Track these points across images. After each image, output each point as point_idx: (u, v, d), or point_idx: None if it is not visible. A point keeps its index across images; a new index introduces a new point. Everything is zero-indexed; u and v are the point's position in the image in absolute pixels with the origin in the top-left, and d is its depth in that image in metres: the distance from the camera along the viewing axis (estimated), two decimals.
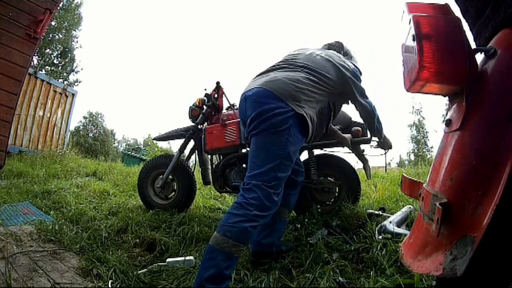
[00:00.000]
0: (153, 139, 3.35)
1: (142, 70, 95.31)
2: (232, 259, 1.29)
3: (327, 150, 2.44)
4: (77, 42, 18.58)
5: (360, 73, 1.83)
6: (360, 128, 2.29)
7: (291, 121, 1.43)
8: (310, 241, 1.79)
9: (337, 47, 1.96)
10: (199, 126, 2.61)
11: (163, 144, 8.04)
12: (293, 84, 1.49)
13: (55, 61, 18.04)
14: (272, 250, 1.71)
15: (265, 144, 1.44)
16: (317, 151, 2.40)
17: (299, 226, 2.09)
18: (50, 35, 16.81)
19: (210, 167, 2.66)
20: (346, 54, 1.94)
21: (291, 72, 1.57)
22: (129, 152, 11.04)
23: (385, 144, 2.09)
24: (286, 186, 1.53)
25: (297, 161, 1.76)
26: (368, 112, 1.77)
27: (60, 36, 17.55)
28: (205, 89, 2.66)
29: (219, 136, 2.39)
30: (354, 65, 1.83)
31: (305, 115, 1.47)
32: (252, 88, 1.53)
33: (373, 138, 2.22)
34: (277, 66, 1.65)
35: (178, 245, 1.96)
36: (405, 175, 0.96)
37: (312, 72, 1.59)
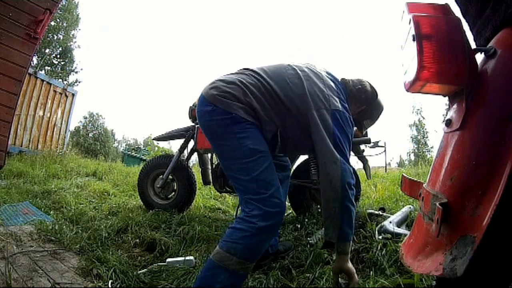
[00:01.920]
0: (153, 139, 3.35)
1: (142, 69, 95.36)
2: (237, 276, 1.17)
3: None
4: (75, 42, 18.63)
5: (351, 124, 1.37)
6: None
7: (227, 120, 1.25)
8: (310, 241, 1.79)
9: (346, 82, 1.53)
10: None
11: (163, 144, 8.04)
12: (226, 86, 1.29)
13: (54, 61, 18.06)
14: (268, 252, 1.63)
15: (222, 155, 1.32)
16: None
17: (299, 226, 2.09)
18: (50, 35, 16.84)
19: (210, 167, 2.66)
20: (355, 98, 1.51)
21: (237, 75, 1.35)
22: (129, 152, 11.05)
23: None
24: None
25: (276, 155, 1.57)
26: (335, 186, 1.24)
27: (59, 36, 17.58)
28: None
29: None
30: (345, 102, 1.38)
31: (233, 110, 1.24)
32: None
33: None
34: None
35: (178, 245, 1.96)
36: (405, 175, 0.96)
37: (264, 81, 1.32)
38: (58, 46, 17.72)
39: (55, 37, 17.43)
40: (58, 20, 16.86)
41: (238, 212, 1.38)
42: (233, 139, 1.24)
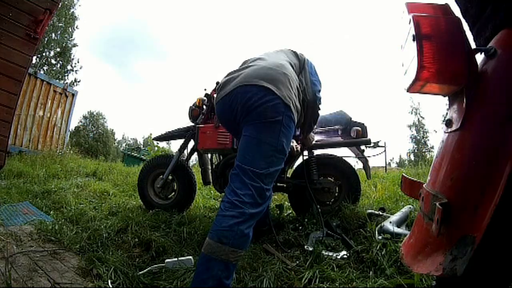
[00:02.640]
0: (153, 139, 3.35)
1: (142, 69, 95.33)
2: (230, 267, 1.16)
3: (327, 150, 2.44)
4: (73, 39, 18.58)
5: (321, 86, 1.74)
6: (360, 128, 2.30)
7: (282, 109, 1.30)
8: (310, 249, 1.76)
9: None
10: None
11: (163, 144, 8.04)
12: (278, 68, 1.40)
13: (52, 61, 18.02)
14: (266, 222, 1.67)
15: (259, 135, 1.30)
16: (317, 151, 2.40)
17: (299, 226, 2.09)
18: (49, 33, 16.80)
19: (210, 167, 2.66)
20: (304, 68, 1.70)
21: (274, 58, 1.51)
22: (130, 152, 11.06)
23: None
24: None
25: None
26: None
27: (57, 36, 17.54)
28: (205, 89, 2.66)
29: (211, 137, 2.39)
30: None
31: (291, 105, 1.34)
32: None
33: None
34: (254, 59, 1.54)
35: (178, 245, 1.96)
36: (405, 175, 0.96)
37: (290, 59, 1.58)
38: (54, 46, 17.65)
39: (53, 36, 17.38)
40: (54, 19, 16.80)
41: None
42: (277, 129, 1.35)
